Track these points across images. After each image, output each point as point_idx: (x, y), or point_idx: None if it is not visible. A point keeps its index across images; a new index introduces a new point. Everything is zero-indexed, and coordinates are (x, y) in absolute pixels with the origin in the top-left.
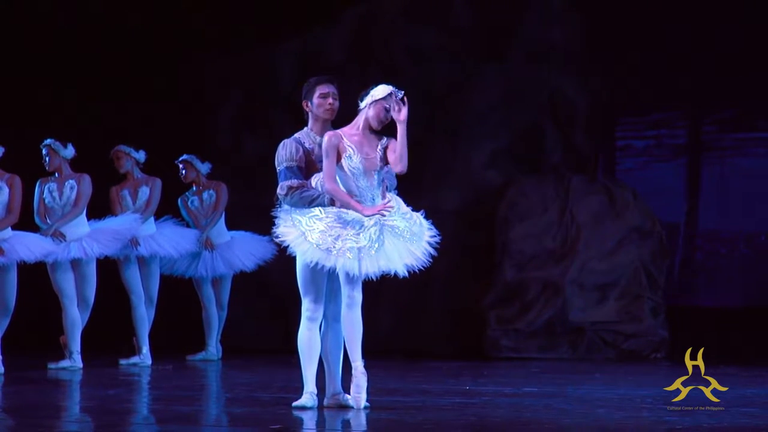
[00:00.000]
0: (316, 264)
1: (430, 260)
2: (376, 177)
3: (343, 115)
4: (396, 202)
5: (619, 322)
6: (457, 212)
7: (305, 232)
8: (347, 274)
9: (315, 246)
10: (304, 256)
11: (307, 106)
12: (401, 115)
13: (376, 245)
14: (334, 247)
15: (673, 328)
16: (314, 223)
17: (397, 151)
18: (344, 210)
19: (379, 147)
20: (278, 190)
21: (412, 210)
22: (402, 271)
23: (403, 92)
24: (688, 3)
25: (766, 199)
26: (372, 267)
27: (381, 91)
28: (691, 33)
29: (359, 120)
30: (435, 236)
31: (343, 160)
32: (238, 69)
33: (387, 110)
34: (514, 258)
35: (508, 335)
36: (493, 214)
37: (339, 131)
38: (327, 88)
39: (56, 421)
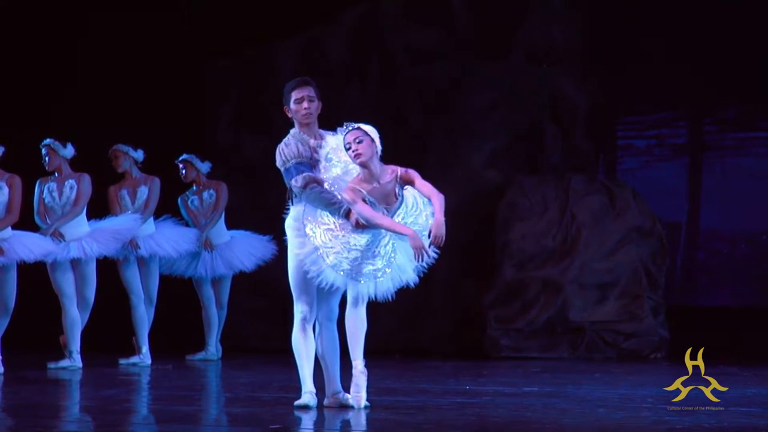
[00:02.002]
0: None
1: (437, 253)
2: (395, 212)
3: (340, 113)
4: (402, 201)
5: (619, 322)
6: (457, 212)
7: (320, 249)
8: None
9: (330, 267)
10: (320, 278)
11: (288, 112)
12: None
13: (392, 266)
14: (351, 270)
15: (674, 327)
16: (329, 239)
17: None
18: (359, 230)
19: (398, 191)
20: (293, 183)
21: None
22: (413, 279)
23: (347, 123)
24: (688, 2)
25: (767, 199)
26: (387, 286)
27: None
28: (691, 32)
29: (360, 172)
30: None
31: None
32: (238, 68)
33: (348, 148)
34: (514, 257)
35: (508, 335)
36: (493, 214)
37: (357, 187)
38: (300, 93)
39: (56, 421)
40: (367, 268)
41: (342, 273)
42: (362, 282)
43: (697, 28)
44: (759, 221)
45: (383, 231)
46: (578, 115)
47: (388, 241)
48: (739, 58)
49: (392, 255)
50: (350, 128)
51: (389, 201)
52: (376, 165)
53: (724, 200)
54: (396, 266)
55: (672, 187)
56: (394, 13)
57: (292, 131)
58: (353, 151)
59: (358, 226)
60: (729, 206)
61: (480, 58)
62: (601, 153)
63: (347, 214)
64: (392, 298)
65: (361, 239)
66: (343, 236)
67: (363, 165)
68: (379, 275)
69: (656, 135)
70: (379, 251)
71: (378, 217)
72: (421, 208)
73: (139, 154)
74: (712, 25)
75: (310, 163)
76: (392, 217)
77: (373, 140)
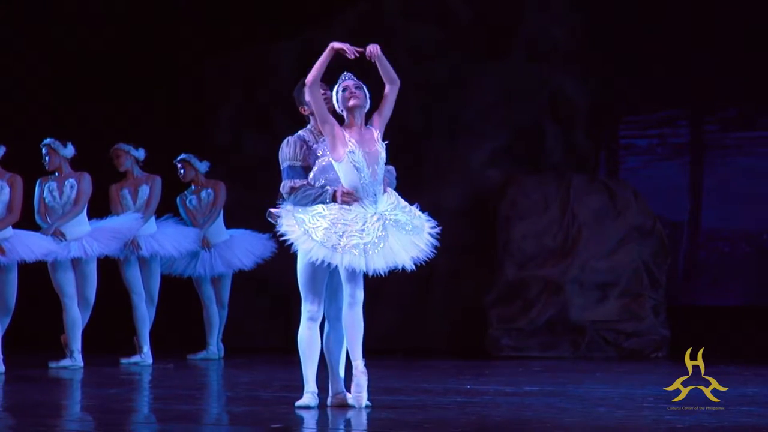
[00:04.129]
0: (321, 263)
1: (434, 252)
2: (378, 172)
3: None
4: (395, 197)
5: (620, 321)
6: (457, 211)
7: (309, 230)
8: (349, 272)
9: (320, 244)
10: (309, 255)
11: (303, 110)
12: (368, 54)
13: (382, 244)
14: (339, 244)
15: (675, 326)
16: (317, 220)
17: (382, 72)
18: (346, 207)
19: (377, 136)
20: (281, 188)
21: (409, 204)
22: (409, 265)
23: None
24: (689, 1)
25: None
26: (379, 263)
27: (337, 87)
28: (692, 31)
29: (346, 120)
30: (435, 227)
31: (346, 155)
32: (238, 68)
33: (345, 90)
34: (514, 257)
35: (509, 334)
36: (494, 213)
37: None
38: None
39: (57, 420)
40: (356, 241)
41: (331, 247)
42: (352, 254)
43: (698, 27)
44: (760, 221)
45: (369, 207)
46: (579, 114)
47: (377, 220)
48: (741, 56)
49: (383, 233)
50: (351, 77)
51: (370, 147)
52: (362, 119)
53: (725, 200)
54: (389, 247)
55: (674, 186)
56: (394, 12)
57: (308, 126)
58: (351, 93)
59: (344, 200)
60: (730, 206)
61: (481, 57)
62: (603, 152)
63: (333, 197)
64: (385, 274)
65: (347, 214)
66: (330, 214)
67: (353, 109)
68: (368, 248)
69: (658, 134)
70: (366, 226)
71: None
72: (415, 213)
73: (141, 153)
74: (713, 24)
75: (303, 165)
76: (380, 167)
77: (366, 97)
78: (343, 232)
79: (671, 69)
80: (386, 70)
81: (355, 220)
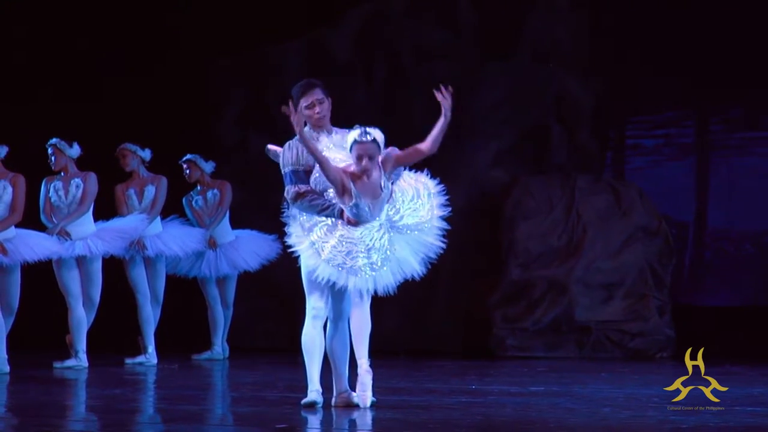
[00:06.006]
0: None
1: (444, 243)
2: (381, 208)
3: (346, 113)
4: (400, 193)
5: (625, 321)
6: (462, 211)
7: (316, 244)
8: None
9: (325, 262)
10: (315, 273)
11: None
12: (445, 110)
13: (389, 254)
14: (344, 264)
15: (680, 327)
16: (325, 234)
17: (434, 134)
18: (352, 226)
19: (383, 183)
20: (285, 194)
21: (416, 172)
22: (418, 271)
23: (366, 131)
24: (693, 1)
25: None
26: (387, 280)
27: (350, 139)
28: (697, 31)
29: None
30: (445, 203)
31: (348, 206)
32: (244, 68)
33: (360, 158)
34: (519, 257)
35: (514, 334)
36: (499, 213)
37: (348, 170)
38: (309, 98)
39: (62, 420)
40: (362, 262)
41: (337, 266)
42: (358, 276)
43: (703, 26)
44: (764, 221)
45: (376, 224)
46: (583, 115)
47: (383, 234)
48: (746, 56)
49: (390, 248)
50: (365, 139)
51: (375, 194)
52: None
53: (730, 200)
54: (396, 259)
55: (680, 186)
56: (400, 13)
57: (306, 128)
58: (362, 165)
59: (350, 224)
60: (735, 206)
61: (486, 58)
62: (609, 152)
63: (341, 214)
64: (394, 292)
65: (354, 232)
66: (338, 230)
67: (363, 171)
68: (376, 268)
69: (664, 134)
70: (373, 244)
71: (316, 148)
72: (423, 201)
73: (147, 153)
74: (718, 24)
75: (305, 169)
76: (383, 206)
77: (379, 149)
78: (350, 251)
79: (677, 69)
80: (441, 132)
81: (361, 239)
